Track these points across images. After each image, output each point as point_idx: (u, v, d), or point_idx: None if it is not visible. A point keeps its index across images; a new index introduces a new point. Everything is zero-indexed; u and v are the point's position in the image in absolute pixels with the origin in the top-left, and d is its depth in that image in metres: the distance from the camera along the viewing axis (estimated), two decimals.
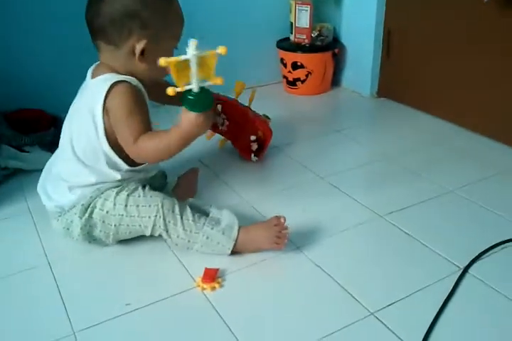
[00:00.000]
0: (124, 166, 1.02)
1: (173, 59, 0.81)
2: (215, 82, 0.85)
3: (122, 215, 1.00)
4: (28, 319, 0.89)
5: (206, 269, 0.97)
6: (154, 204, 1.00)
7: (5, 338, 0.85)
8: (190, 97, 0.86)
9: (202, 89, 0.85)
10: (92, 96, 0.99)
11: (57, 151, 1.09)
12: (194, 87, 0.84)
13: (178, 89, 0.83)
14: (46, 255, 1.05)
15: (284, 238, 1.01)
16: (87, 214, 1.01)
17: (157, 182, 1.17)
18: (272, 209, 1.16)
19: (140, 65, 0.99)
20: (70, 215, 1.03)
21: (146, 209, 1.00)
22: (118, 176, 1.02)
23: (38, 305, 0.92)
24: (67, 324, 0.87)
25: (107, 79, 0.97)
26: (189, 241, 1.00)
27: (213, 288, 0.94)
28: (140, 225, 1.01)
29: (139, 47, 0.96)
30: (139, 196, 1.01)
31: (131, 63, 0.99)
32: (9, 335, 0.86)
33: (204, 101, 0.87)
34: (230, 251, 1.00)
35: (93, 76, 1.02)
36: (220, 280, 0.96)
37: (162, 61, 0.80)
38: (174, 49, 1.03)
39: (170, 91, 0.82)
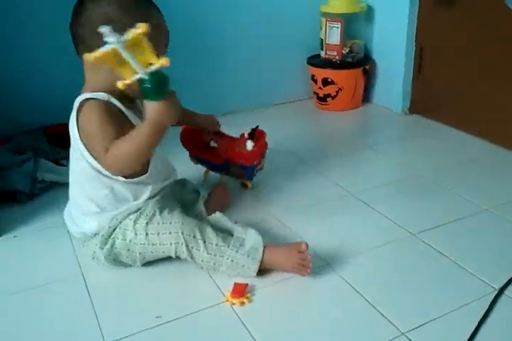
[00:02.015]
0: (120, 179, 1.00)
1: (97, 53, 0.76)
2: (161, 63, 0.79)
3: (144, 244, 1.00)
4: (61, 329, 0.90)
5: (236, 284, 0.97)
6: (175, 231, 0.99)
7: None
8: (144, 86, 0.82)
9: (152, 74, 0.80)
10: (71, 118, 0.98)
11: (70, 177, 1.07)
12: (141, 74, 0.80)
13: (127, 82, 0.80)
14: (80, 266, 1.07)
15: (306, 267, 0.98)
16: (108, 245, 1.01)
17: (189, 196, 1.19)
18: (301, 224, 1.16)
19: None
20: (92, 245, 1.03)
21: (167, 236, 0.99)
22: (129, 195, 1.02)
23: (70, 316, 0.94)
24: (99, 335, 0.88)
25: (78, 99, 0.96)
26: (214, 264, 0.99)
27: (242, 303, 0.94)
28: (164, 251, 1.01)
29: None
30: (158, 223, 1.01)
31: (111, 75, 0.89)
32: None
33: (159, 85, 0.82)
34: (255, 274, 1.00)
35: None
36: (249, 295, 0.96)
37: (89, 57, 0.76)
38: None
39: (120, 85, 0.79)
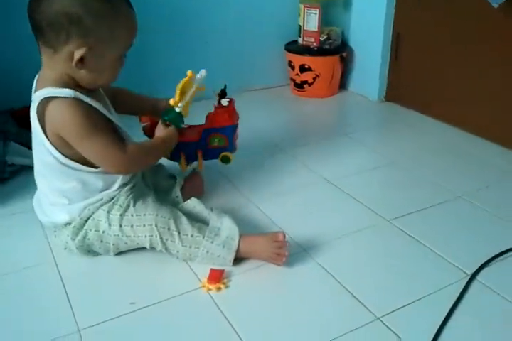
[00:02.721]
0: (90, 169, 0.98)
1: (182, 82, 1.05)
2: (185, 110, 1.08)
3: (118, 235, 0.99)
4: (33, 316, 0.88)
5: (212, 270, 0.97)
6: (149, 223, 0.97)
7: (10, 334, 0.85)
8: (177, 116, 1.07)
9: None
10: (32, 112, 0.93)
11: (35, 168, 1.04)
12: (179, 106, 1.06)
13: (171, 102, 1.05)
14: (52, 252, 1.05)
15: (282, 256, 0.98)
16: (80, 237, 0.99)
17: (164, 182, 1.17)
18: (278, 210, 1.16)
19: (79, 72, 0.92)
20: (63, 236, 1.01)
21: (141, 229, 0.98)
22: (100, 184, 0.99)
23: (43, 302, 0.92)
24: (72, 321, 0.87)
25: (38, 94, 0.91)
26: (190, 255, 0.99)
27: (219, 289, 0.94)
28: (138, 243, 1.00)
29: (77, 54, 0.89)
30: (132, 215, 0.99)
31: (69, 68, 0.91)
32: (14, 332, 0.85)
33: (182, 119, 1.08)
34: (231, 264, 0.99)
35: (37, 88, 0.95)
36: (225, 281, 0.95)
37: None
38: (123, 57, 0.98)
39: (172, 102, 1.05)
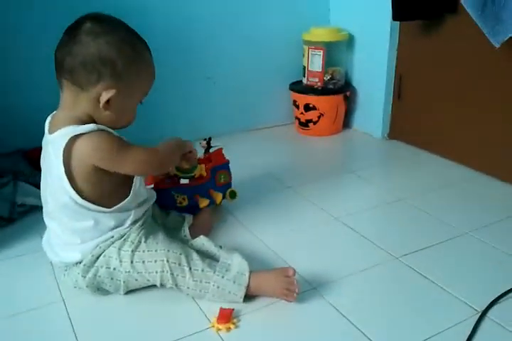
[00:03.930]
0: (105, 209, 0.99)
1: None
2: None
3: (129, 272, 0.99)
4: None
5: (221, 309, 0.96)
6: (160, 259, 0.98)
7: None
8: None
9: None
10: (53, 153, 0.94)
11: (44, 209, 1.05)
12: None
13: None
14: (61, 292, 1.05)
15: (293, 291, 0.98)
16: (90, 274, 1.00)
17: (173, 221, 1.18)
18: (286, 248, 1.17)
19: (102, 113, 0.96)
20: (73, 274, 1.01)
21: (152, 264, 0.98)
22: (112, 223, 1.01)
23: None
24: None
25: (67, 133, 0.92)
26: (200, 291, 0.98)
27: (228, 329, 0.93)
28: (149, 280, 1.00)
29: (106, 95, 0.94)
30: (144, 251, 1.00)
31: (92, 108, 0.96)
32: None
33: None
34: (241, 300, 0.98)
35: (51, 129, 0.96)
36: (235, 320, 0.95)
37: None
38: (139, 103, 1.03)
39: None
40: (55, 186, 0.98)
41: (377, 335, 0.91)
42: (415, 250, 1.18)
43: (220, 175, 1.32)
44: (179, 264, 0.98)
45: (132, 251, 0.99)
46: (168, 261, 0.98)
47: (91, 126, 0.94)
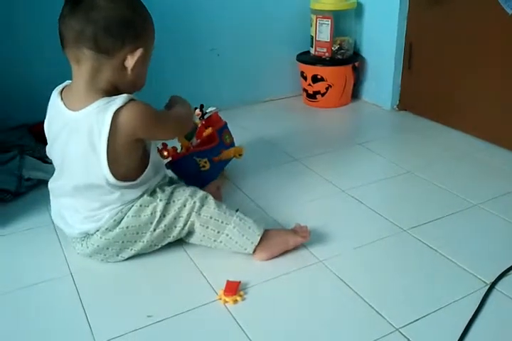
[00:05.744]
0: (133, 183, 1.00)
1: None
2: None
3: (163, 214, 1.01)
4: (50, 330, 0.89)
5: (228, 282, 0.96)
6: (189, 194, 1.03)
7: None
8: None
9: None
10: (86, 131, 0.92)
11: (59, 184, 1.04)
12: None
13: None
14: (68, 266, 1.05)
15: (306, 233, 1.07)
16: (110, 236, 1.00)
17: None
18: (293, 221, 1.16)
19: (125, 77, 0.95)
20: (94, 239, 1.01)
21: (181, 197, 1.02)
22: (136, 193, 1.01)
23: (60, 316, 0.92)
24: (89, 335, 0.87)
25: (105, 108, 0.91)
26: (222, 222, 1.02)
27: (235, 301, 0.93)
28: (176, 218, 1.01)
29: (132, 58, 0.92)
30: (174, 193, 1.04)
31: (117, 75, 0.94)
32: None
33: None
34: (259, 238, 1.02)
35: (73, 106, 0.94)
36: (242, 293, 0.95)
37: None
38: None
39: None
40: (79, 166, 0.96)
41: (384, 307, 0.91)
42: (424, 222, 1.17)
43: (225, 135, 1.39)
44: (206, 197, 1.04)
45: (160, 200, 1.02)
46: (196, 195, 1.03)
47: (124, 97, 0.92)
